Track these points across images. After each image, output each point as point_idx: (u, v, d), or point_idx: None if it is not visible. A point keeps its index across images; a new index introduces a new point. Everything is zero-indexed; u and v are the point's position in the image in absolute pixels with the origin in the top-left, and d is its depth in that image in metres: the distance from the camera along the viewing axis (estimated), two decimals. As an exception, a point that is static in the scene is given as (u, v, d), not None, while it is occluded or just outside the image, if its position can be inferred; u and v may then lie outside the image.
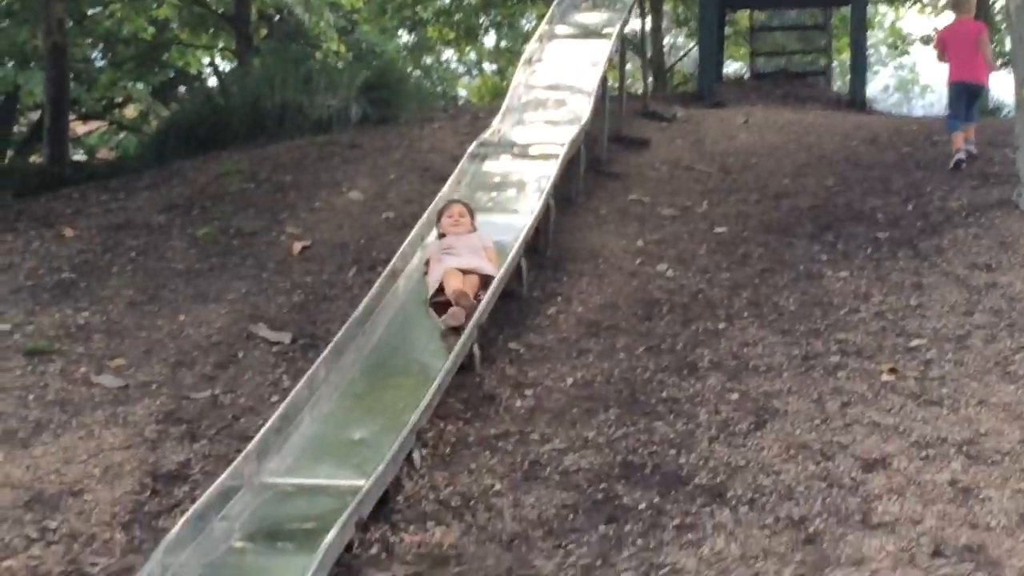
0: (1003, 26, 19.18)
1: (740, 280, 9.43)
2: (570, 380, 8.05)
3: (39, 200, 13.21)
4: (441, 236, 9.45)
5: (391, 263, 9.33)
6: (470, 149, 11.45)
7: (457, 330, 8.33)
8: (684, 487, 6.59)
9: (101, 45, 21.19)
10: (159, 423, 7.92)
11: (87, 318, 9.70)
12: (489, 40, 30.71)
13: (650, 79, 18.30)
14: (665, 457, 6.92)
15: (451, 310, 8.47)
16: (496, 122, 12.35)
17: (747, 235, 10.47)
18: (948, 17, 13.36)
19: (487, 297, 8.63)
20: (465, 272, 8.79)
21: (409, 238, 9.69)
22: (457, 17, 27.89)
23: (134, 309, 9.82)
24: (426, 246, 9.58)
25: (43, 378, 8.67)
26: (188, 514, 6.44)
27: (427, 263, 9.15)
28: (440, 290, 8.75)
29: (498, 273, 8.93)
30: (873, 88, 28.37)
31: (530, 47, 14.21)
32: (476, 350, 8.25)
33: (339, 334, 8.33)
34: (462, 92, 32.01)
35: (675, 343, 8.44)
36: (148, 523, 6.81)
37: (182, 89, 23.00)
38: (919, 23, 39.14)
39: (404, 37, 28.55)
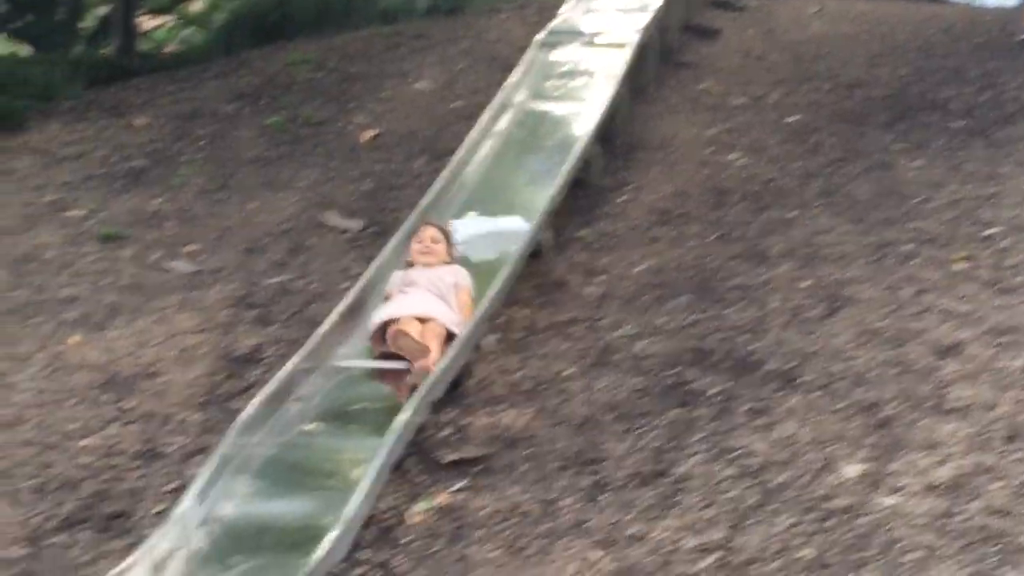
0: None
1: (812, 169, 9.34)
2: (641, 267, 8.02)
3: (109, 90, 13.26)
4: (410, 266, 7.63)
5: (459, 152, 9.31)
6: (538, 38, 11.37)
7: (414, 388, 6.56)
8: (755, 373, 6.57)
9: (168, -64, 21.09)
10: (231, 308, 7.99)
11: (159, 205, 9.78)
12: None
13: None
14: (736, 343, 6.90)
15: (418, 364, 6.67)
16: (565, 11, 12.25)
17: (819, 125, 10.35)
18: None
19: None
20: (423, 320, 7.00)
21: (478, 126, 9.66)
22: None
23: (205, 196, 9.88)
24: (390, 278, 7.59)
25: (117, 263, 8.76)
26: (261, 395, 6.52)
27: (386, 299, 7.39)
28: (384, 334, 6.97)
29: (466, 326, 7.06)
30: (947, -19, 27.80)
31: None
32: (547, 238, 8.24)
33: (408, 221, 8.34)
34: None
35: (746, 231, 8.38)
36: (222, 404, 6.91)
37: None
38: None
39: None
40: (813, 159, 9.56)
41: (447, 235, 7.74)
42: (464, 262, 7.76)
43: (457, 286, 7.34)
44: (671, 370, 6.71)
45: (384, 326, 6.95)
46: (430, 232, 7.66)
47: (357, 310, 7.42)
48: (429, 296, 7.19)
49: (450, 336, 6.95)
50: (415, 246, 7.62)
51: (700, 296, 7.54)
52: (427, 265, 7.46)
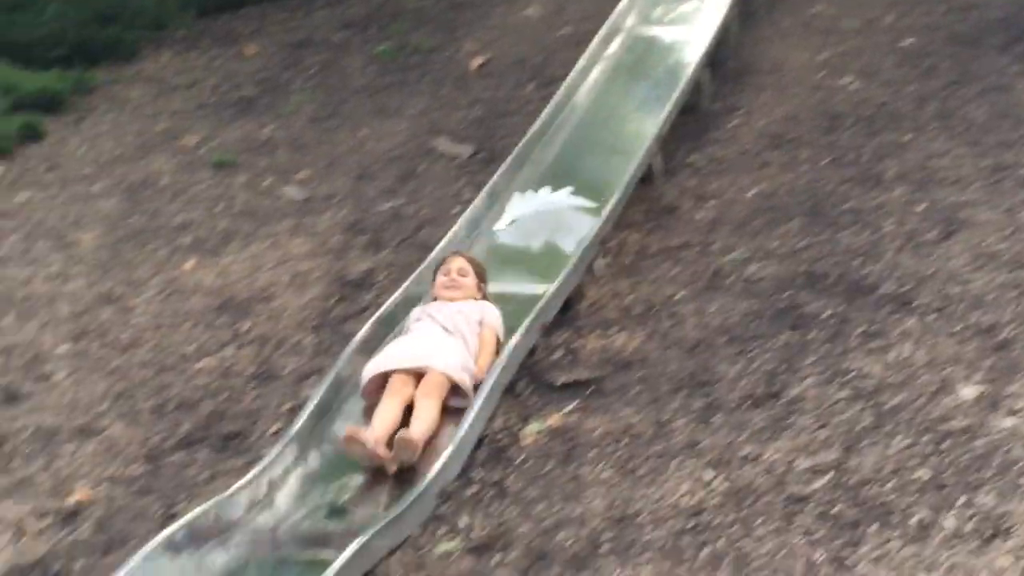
0: None
1: (927, 92, 9.18)
2: (752, 192, 7.96)
3: (219, 20, 13.34)
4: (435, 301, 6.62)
5: (568, 78, 9.28)
6: (648, -38, 11.27)
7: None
8: (869, 296, 6.50)
9: None
10: (343, 233, 8.06)
11: (270, 133, 9.86)
12: None
13: None
14: (850, 267, 6.82)
15: (399, 441, 5.55)
16: (675, -65, 12.11)
17: (934, 48, 10.16)
18: None
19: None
20: (417, 374, 5.92)
21: (587, 52, 9.62)
22: None
23: (315, 124, 9.95)
24: (410, 314, 6.58)
25: (229, 190, 8.87)
26: (374, 318, 6.56)
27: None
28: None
29: (481, 378, 6.00)
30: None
31: None
32: (657, 163, 8.19)
33: (518, 147, 8.34)
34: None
35: (859, 155, 8.27)
36: (335, 327, 6.98)
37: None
38: None
39: None
40: (927, 82, 9.40)
41: (478, 267, 6.71)
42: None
43: (482, 324, 6.35)
44: (783, 293, 6.66)
45: (381, 378, 6.00)
46: (457, 263, 6.65)
47: (469, 235, 7.46)
48: (437, 333, 6.21)
49: (457, 389, 5.94)
50: (439, 279, 6.60)
51: (812, 220, 7.46)
52: (451, 300, 6.49)
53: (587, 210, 7.68)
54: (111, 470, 5.97)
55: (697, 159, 8.52)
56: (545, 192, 7.92)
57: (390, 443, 5.56)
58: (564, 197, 7.88)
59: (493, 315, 6.42)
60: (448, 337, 6.18)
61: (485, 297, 6.60)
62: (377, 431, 5.62)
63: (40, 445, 6.23)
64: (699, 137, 8.84)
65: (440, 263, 6.71)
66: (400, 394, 5.85)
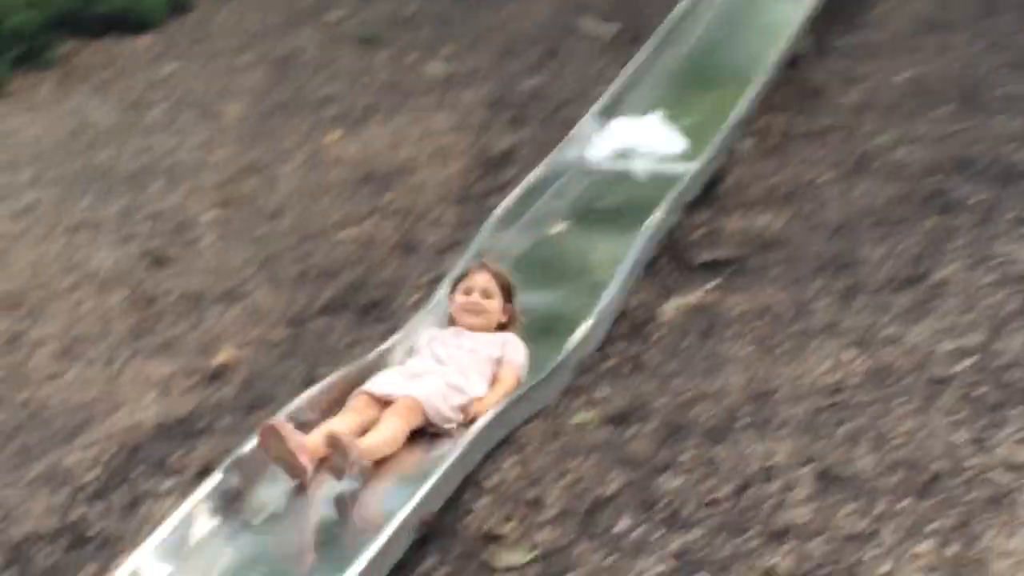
0: None
1: (1089, -21, 8.90)
2: (902, 76, 7.78)
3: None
4: (452, 323, 5.54)
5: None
6: None
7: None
8: (1021, 182, 6.35)
9: None
10: (486, 109, 8.06)
11: (415, 9, 9.87)
12: None
13: None
14: (1001, 152, 6.65)
15: (331, 441, 4.55)
16: None
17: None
18: None
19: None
20: (386, 402, 4.92)
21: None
22: None
23: (460, 1, 9.91)
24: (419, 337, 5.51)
25: (373, 65, 8.91)
26: (514, 194, 6.57)
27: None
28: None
29: (479, 413, 4.92)
30: None
31: None
32: (806, 45, 8.06)
33: (663, 26, 8.26)
34: None
35: (1016, 40, 8.04)
36: (477, 201, 6.99)
37: None
38: None
39: None
40: (1091, -31, 9.11)
41: (506, 285, 5.56)
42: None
43: (501, 362, 5.29)
44: (932, 178, 6.52)
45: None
46: (482, 280, 5.50)
47: (610, 113, 7.42)
48: (438, 377, 5.08)
49: (428, 429, 4.93)
50: (459, 299, 5.49)
51: (964, 105, 7.29)
52: (470, 328, 5.43)
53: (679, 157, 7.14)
54: (255, 334, 6.08)
55: (847, 42, 8.36)
56: (653, 119, 7.53)
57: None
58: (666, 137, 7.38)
59: (516, 353, 5.33)
60: (453, 378, 5.11)
61: (511, 319, 5.53)
62: (312, 437, 4.68)
63: (187, 308, 6.37)
64: (850, 20, 8.67)
65: (460, 276, 5.62)
66: (361, 413, 4.90)
